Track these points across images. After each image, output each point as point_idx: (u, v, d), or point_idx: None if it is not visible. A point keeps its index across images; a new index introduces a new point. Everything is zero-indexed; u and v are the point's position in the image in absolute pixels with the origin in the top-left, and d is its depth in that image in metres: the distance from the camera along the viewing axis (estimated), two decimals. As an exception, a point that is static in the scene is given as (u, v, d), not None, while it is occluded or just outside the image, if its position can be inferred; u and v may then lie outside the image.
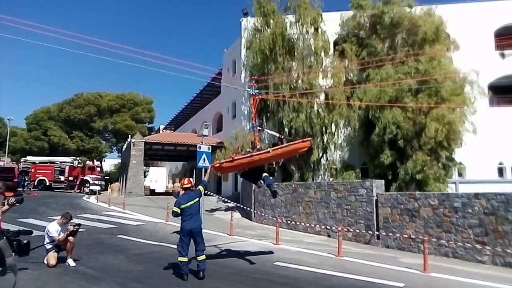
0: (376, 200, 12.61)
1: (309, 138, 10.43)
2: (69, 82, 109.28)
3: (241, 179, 22.50)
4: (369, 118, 20.08)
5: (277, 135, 11.34)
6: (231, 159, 9.36)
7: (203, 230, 8.12)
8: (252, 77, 21.22)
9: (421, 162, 18.26)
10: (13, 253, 2.89)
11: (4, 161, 38.70)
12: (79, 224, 8.81)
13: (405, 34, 21.27)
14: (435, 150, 18.63)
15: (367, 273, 8.42)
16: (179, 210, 7.78)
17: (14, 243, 2.93)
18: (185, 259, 7.57)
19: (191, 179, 8.66)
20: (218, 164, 9.68)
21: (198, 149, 14.98)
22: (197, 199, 7.89)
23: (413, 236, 11.16)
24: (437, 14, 20.74)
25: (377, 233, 12.28)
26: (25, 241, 3.02)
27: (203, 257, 7.66)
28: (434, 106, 18.26)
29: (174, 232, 13.94)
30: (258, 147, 9.86)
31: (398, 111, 18.87)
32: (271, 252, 10.78)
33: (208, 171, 8.83)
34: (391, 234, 11.77)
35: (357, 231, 12.78)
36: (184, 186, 8.27)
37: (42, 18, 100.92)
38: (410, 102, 18.75)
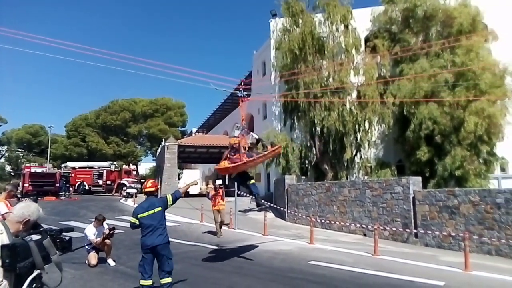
0: (413, 198, 12.24)
1: (280, 145, 11.58)
2: (104, 90, 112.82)
3: (273, 180, 22.55)
4: (403, 114, 19.59)
5: (257, 137, 11.12)
6: (245, 160, 9.14)
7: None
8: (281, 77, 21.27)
9: (460, 158, 17.60)
10: (57, 251, 2.99)
11: (46, 167, 40.42)
12: (113, 228, 9.09)
13: (439, 27, 20.63)
14: (475, 145, 17.91)
15: (406, 271, 8.18)
16: (136, 221, 6.24)
17: (58, 241, 3.02)
18: (147, 282, 6.10)
19: (155, 181, 7.06)
20: (232, 165, 9.12)
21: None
22: (160, 208, 6.24)
23: (453, 234, 10.75)
24: (473, 4, 19.94)
25: (415, 231, 11.91)
26: (67, 238, 3.11)
27: (167, 280, 6.09)
28: (473, 99, 17.56)
29: (205, 232, 14.16)
30: (245, 150, 9.64)
31: (434, 106, 18.32)
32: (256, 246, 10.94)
33: (187, 185, 7.42)
34: (429, 232, 11.36)
35: (394, 229, 12.45)
36: (147, 189, 6.63)
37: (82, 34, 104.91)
38: (447, 96, 18.13)
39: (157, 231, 6.11)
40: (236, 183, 14.50)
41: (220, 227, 13.64)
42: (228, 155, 9.37)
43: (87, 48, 12.15)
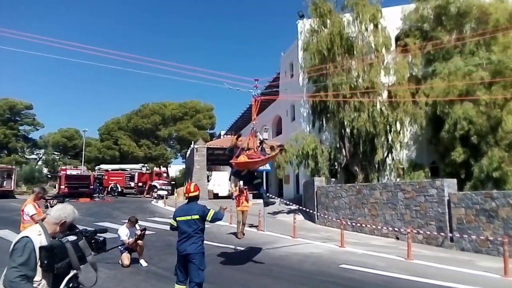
0: (448, 200, 11.86)
1: (278, 151, 11.05)
2: (135, 94, 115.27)
3: (302, 182, 22.39)
4: (437, 114, 19.02)
5: (262, 139, 11.08)
6: (262, 157, 9.37)
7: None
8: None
9: (497, 159, 16.87)
10: (92, 252, 3.06)
11: (80, 169, 41.76)
12: (144, 229, 9.29)
13: (474, 24, 19.94)
14: (514, 145, 17.16)
15: (441, 276, 7.91)
16: (175, 223, 6.04)
17: (92, 241, 3.09)
18: (180, 287, 5.92)
19: (197, 184, 6.56)
20: (251, 161, 9.25)
21: None
22: (197, 216, 5.87)
23: (491, 238, 10.32)
24: (510, -1, 19.21)
25: (450, 235, 11.54)
26: (101, 239, 3.18)
27: None
28: (511, 97, 16.83)
29: (229, 233, 14.22)
30: (256, 147, 9.86)
31: (469, 105, 17.68)
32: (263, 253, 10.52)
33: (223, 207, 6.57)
34: (466, 236, 10.98)
35: (428, 233, 12.09)
36: (191, 194, 6.16)
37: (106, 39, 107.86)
38: (483, 95, 17.44)
39: (191, 239, 5.82)
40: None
41: (242, 228, 13.74)
42: (242, 152, 9.44)
43: (120, 54, 12.45)
